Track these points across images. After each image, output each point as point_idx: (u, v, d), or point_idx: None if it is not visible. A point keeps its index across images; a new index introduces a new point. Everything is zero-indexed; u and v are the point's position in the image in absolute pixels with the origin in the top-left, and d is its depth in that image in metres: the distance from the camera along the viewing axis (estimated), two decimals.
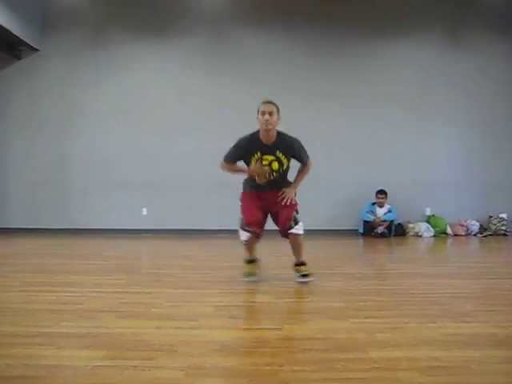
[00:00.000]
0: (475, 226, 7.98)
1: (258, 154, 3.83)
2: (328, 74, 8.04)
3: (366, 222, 7.83)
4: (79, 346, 2.39)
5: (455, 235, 7.91)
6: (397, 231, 7.84)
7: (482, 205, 8.14)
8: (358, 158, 8.00)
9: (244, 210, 3.97)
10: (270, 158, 3.82)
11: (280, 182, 3.95)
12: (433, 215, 8.06)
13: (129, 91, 8.10)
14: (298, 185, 4.03)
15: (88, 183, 8.11)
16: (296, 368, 2.09)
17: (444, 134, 8.22)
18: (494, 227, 7.94)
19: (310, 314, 3.05)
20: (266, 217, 3.99)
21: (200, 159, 8.01)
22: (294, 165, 4.01)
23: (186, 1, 8.12)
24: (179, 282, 3.99)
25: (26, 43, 7.73)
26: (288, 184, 4.01)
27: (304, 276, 3.92)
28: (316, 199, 7.71)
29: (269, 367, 2.10)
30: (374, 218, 7.75)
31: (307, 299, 3.55)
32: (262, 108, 3.78)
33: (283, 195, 3.89)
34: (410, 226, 7.99)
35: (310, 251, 5.08)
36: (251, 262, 4.09)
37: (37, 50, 8.04)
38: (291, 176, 4.04)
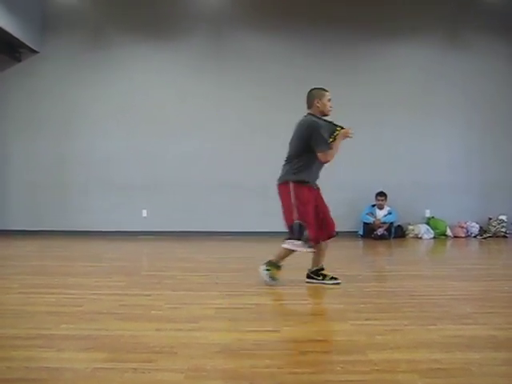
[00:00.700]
0: (475, 228, 7.98)
1: (338, 128, 3.88)
2: (328, 75, 8.00)
3: (365, 223, 7.83)
4: (79, 349, 2.39)
5: (455, 237, 7.91)
6: (396, 233, 7.84)
7: (482, 207, 8.14)
8: (358, 160, 8.00)
9: (308, 218, 3.78)
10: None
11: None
12: (432, 217, 8.06)
13: (129, 92, 8.11)
14: None
15: (88, 184, 8.11)
16: (296, 370, 2.09)
17: (444, 136, 8.23)
18: (493, 229, 7.94)
19: (309, 316, 3.05)
20: None
21: (200, 160, 8.02)
22: None
23: (186, 2, 8.13)
24: (179, 284, 3.99)
25: (26, 45, 7.73)
26: None
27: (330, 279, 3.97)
28: None
29: (268, 369, 2.10)
30: (373, 219, 7.75)
31: (307, 301, 3.55)
32: (329, 95, 3.92)
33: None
34: (410, 227, 7.99)
35: (310, 253, 5.08)
36: (279, 267, 3.99)
37: (37, 51, 8.04)
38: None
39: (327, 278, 3.97)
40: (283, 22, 8.08)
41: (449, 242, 7.53)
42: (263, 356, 2.27)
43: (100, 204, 8.05)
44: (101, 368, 2.12)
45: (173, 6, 8.11)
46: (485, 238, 7.76)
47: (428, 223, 8.01)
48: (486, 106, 8.23)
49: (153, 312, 3.07)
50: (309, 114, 3.92)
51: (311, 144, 3.75)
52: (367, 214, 7.83)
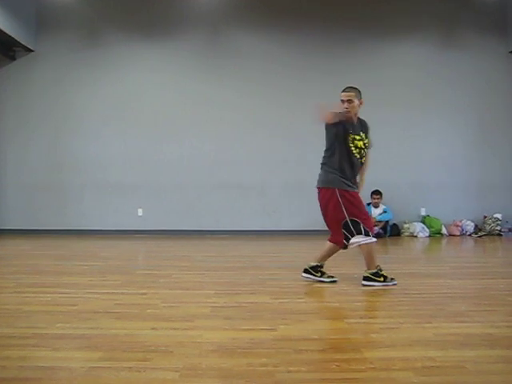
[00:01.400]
0: (470, 226, 8.01)
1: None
2: (324, 74, 8.03)
3: None
4: (74, 348, 2.38)
5: (450, 235, 7.94)
6: (392, 231, 7.86)
7: (477, 205, 8.17)
8: None
9: (361, 213, 3.99)
10: (358, 137, 4.13)
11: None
12: (428, 215, 8.09)
13: (124, 91, 8.09)
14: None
15: (84, 183, 8.09)
16: (291, 368, 2.09)
17: (439, 134, 8.25)
18: (488, 227, 7.97)
19: (305, 314, 3.05)
20: None
21: (196, 159, 8.02)
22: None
23: (182, 1, 8.11)
24: (174, 283, 3.99)
25: (21, 44, 7.70)
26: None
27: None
28: (311, 200, 7.70)
29: (264, 368, 2.10)
30: None
31: (302, 300, 3.55)
32: (341, 96, 4.13)
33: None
34: (405, 226, 8.01)
35: (305, 252, 5.09)
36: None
37: (32, 50, 8.01)
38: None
39: (325, 275, 3.98)
40: (281, 22, 8.09)
41: (444, 241, 7.55)
42: (259, 354, 2.27)
43: (95, 203, 8.04)
44: (96, 367, 2.11)
45: (169, 4, 8.10)
46: (480, 237, 7.79)
47: (423, 221, 8.03)
48: (482, 104, 8.25)
49: (148, 311, 3.07)
50: None
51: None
52: None
